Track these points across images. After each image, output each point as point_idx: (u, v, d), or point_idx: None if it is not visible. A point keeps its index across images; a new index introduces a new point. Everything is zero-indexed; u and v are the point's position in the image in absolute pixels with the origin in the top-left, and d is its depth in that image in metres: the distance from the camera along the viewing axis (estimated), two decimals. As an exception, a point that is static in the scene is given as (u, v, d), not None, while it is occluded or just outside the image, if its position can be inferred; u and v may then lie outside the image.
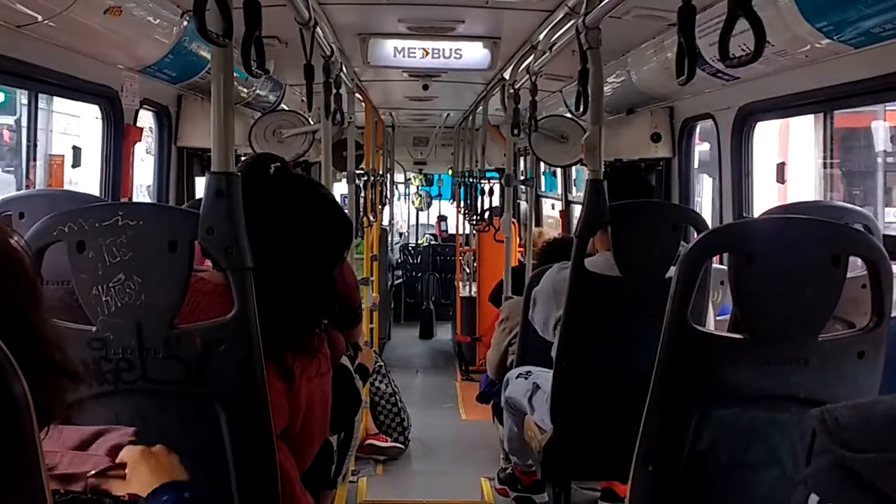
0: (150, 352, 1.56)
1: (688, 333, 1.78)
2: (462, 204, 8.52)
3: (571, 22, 2.96)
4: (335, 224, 1.89)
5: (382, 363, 5.53)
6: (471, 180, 7.65)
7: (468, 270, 9.20)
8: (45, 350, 0.85)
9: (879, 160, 5.54)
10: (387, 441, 5.22)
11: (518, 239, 7.04)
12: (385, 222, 9.70)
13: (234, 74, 1.66)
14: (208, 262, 1.65)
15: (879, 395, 1.53)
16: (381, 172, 7.90)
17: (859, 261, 1.83)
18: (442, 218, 12.72)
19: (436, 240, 12.20)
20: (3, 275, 0.84)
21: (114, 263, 1.53)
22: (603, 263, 2.63)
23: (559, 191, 7.25)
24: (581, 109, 2.77)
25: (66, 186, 4.45)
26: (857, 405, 0.81)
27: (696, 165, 4.28)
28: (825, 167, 3.38)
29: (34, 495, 0.67)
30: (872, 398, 0.82)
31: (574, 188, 6.91)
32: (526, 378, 3.18)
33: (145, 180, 4.30)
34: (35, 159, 3.45)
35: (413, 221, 13.23)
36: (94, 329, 1.56)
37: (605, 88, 2.96)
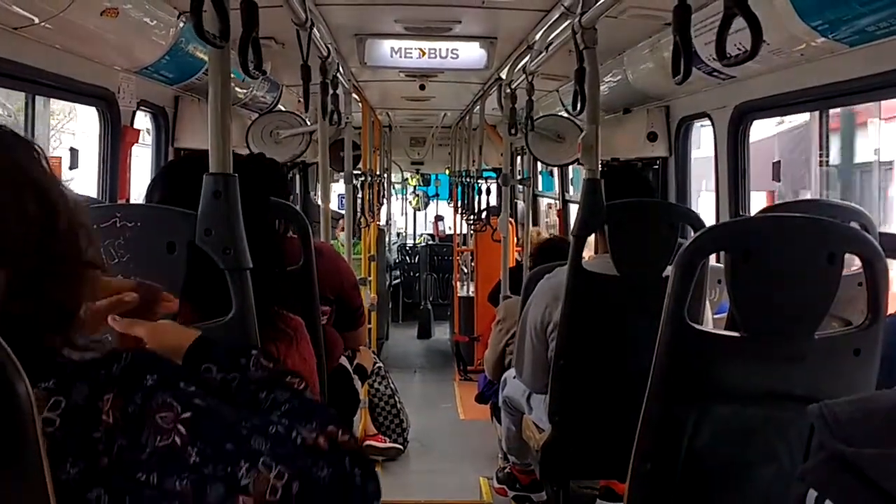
0: (148, 353, 1.56)
1: (685, 332, 1.78)
2: (459, 204, 8.53)
3: (567, 22, 2.96)
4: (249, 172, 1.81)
5: (381, 364, 5.53)
6: (468, 180, 7.65)
7: (466, 270, 9.21)
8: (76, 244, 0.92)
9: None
10: (385, 442, 5.22)
11: (515, 239, 7.05)
12: (382, 222, 9.70)
13: (231, 75, 1.66)
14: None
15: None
16: (378, 173, 7.90)
17: (856, 258, 1.84)
18: (439, 218, 12.72)
19: (433, 240, 12.20)
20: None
21: (112, 265, 1.53)
22: (602, 266, 2.63)
23: (556, 190, 7.25)
24: (578, 109, 2.78)
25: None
26: (855, 400, 0.81)
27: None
28: (821, 165, 3.39)
29: (36, 495, 0.67)
30: (871, 393, 0.82)
31: (571, 187, 6.92)
32: (524, 377, 3.19)
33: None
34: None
35: (410, 222, 13.23)
36: (92, 330, 1.56)
37: (601, 88, 2.97)
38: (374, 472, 0.93)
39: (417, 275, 11.15)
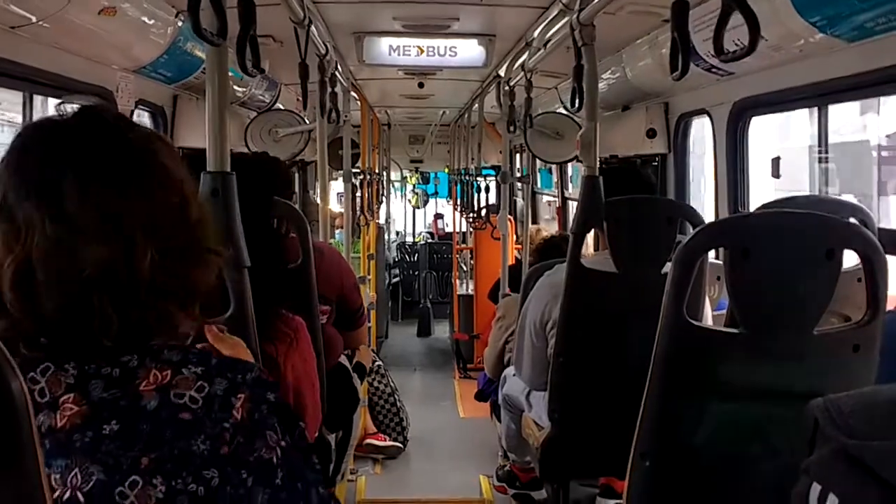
0: (147, 352, 1.56)
1: (684, 328, 1.78)
2: (458, 201, 8.53)
3: (566, 19, 2.96)
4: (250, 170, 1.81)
5: (381, 362, 5.53)
6: (467, 178, 7.65)
7: (465, 268, 9.21)
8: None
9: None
10: (385, 440, 5.22)
11: (515, 236, 7.05)
12: (381, 220, 9.70)
13: (230, 74, 1.66)
14: None
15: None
16: (377, 171, 7.90)
17: (855, 254, 1.83)
18: (438, 216, 12.71)
19: (432, 238, 12.20)
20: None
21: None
22: (601, 263, 2.63)
23: (555, 188, 7.25)
24: (576, 106, 2.77)
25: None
26: (859, 394, 0.81)
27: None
28: (820, 161, 3.38)
29: (31, 496, 0.67)
30: (874, 387, 0.82)
31: (570, 184, 6.92)
32: (523, 375, 3.18)
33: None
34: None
35: (410, 220, 13.22)
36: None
37: (599, 85, 2.96)
38: None
39: (417, 273, 11.14)
